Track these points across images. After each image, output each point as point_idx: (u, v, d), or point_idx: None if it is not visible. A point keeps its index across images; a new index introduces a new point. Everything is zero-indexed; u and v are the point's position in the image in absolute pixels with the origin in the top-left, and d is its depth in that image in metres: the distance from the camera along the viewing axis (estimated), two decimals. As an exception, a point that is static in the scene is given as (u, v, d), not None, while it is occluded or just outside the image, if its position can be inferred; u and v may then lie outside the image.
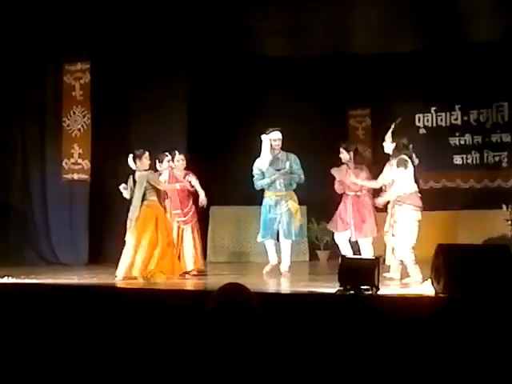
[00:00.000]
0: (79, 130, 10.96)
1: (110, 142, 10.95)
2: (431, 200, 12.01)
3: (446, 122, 12.48)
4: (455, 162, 12.35)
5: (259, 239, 9.31)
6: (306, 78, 12.44)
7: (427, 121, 12.58)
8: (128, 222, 8.39)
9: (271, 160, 9.08)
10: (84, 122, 10.92)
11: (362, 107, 12.87)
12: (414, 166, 7.69)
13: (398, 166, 7.60)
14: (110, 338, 5.44)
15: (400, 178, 7.60)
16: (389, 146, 7.79)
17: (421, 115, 12.61)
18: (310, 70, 12.45)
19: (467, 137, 12.29)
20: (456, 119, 12.41)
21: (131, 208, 8.39)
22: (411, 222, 7.54)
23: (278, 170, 9.08)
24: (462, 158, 12.30)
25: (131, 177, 8.47)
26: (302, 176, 9.16)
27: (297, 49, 12.03)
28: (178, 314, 5.45)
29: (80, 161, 10.95)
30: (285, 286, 8.07)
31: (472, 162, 12.27)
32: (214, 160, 11.45)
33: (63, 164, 11.01)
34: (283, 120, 9.97)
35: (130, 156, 8.50)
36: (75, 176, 10.97)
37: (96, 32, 10.74)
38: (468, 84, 11.82)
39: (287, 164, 9.11)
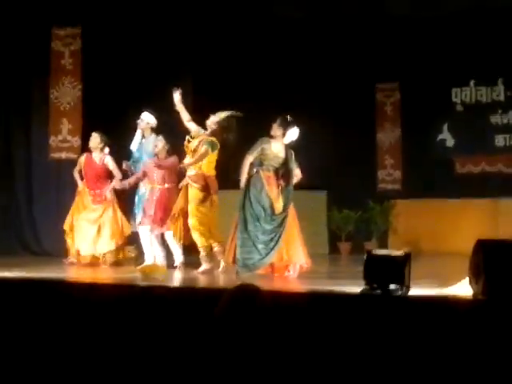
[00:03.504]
0: (69, 103, 10.91)
1: (104, 116, 10.88)
2: (469, 186, 11.98)
3: (486, 98, 12.37)
4: (497, 144, 12.26)
5: None
6: (328, 44, 12.33)
7: (465, 96, 12.47)
8: None
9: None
10: (74, 95, 10.88)
11: (390, 80, 12.75)
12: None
13: None
14: (101, 338, 5.42)
15: None
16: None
17: (458, 89, 12.50)
18: (334, 34, 12.31)
19: (511, 115, 12.20)
20: (498, 95, 12.30)
21: None
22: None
23: None
24: (505, 138, 12.20)
25: None
26: None
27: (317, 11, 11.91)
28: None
29: (69, 138, 10.92)
30: (301, 284, 8.01)
31: (516, 143, 12.20)
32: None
33: (50, 141, 10.98)
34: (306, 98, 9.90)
35: None
36: (63, 155, 10.95)
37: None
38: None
39: None
